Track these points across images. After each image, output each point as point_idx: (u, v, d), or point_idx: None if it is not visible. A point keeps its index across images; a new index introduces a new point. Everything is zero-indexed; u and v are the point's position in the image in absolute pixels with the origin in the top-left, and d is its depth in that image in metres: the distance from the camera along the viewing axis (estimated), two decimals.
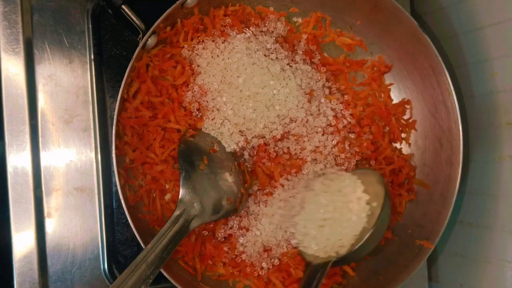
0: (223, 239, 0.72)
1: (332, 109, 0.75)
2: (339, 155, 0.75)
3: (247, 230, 0.72)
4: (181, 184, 0.65)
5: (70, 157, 0.69)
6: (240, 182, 0.71)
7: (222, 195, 0.69)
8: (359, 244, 0.65)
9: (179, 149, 0.67)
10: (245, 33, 0.72)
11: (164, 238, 0.61)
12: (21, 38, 0.66)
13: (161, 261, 0.60)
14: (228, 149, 0.71)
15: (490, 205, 0.75)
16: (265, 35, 0.74)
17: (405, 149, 0.79)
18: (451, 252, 0.82)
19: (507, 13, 0.70)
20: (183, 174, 0.66)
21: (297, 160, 0.75)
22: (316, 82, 0.75)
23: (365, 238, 0.64)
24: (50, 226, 0.67)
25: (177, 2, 0.64)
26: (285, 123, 0.72)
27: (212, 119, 0.71)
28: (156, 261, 0.60)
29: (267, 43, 0.73)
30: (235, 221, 0.72)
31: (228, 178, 0.70)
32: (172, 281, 0.63)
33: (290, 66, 0.73)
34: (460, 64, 0.79)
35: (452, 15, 0.80)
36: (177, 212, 0.64)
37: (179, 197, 0.65)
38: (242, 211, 0.72)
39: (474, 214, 0.78)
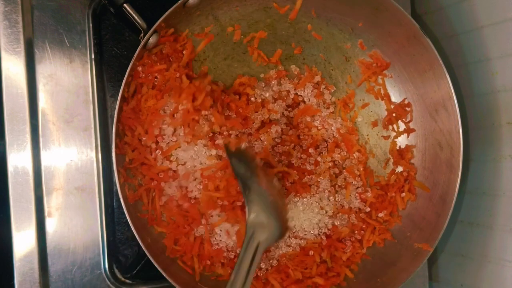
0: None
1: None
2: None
3: None
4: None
5: (70, 156, 0.69)
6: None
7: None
8: None
9: (233, 169, 0.65)
10: None
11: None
12: (21, 37, 0.66)
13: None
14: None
15: (491, 205, 0.75)
16: None
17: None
18: (452, 252, 0.82)
19: (507, 13, 0.70)
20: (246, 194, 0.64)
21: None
22: None
23: None
24: (51, 225, 0.67)
25: (179, 2, 0.64)
26: None
27: None
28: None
29: None
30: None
31: (276, 184, 0.69)
32: (171, 281, 0.63)
33: None
34: (460, 63, 0.79)
35: (452, 15, 0.80)
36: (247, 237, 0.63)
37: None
38: None
39: (474, 213, 0.78)
